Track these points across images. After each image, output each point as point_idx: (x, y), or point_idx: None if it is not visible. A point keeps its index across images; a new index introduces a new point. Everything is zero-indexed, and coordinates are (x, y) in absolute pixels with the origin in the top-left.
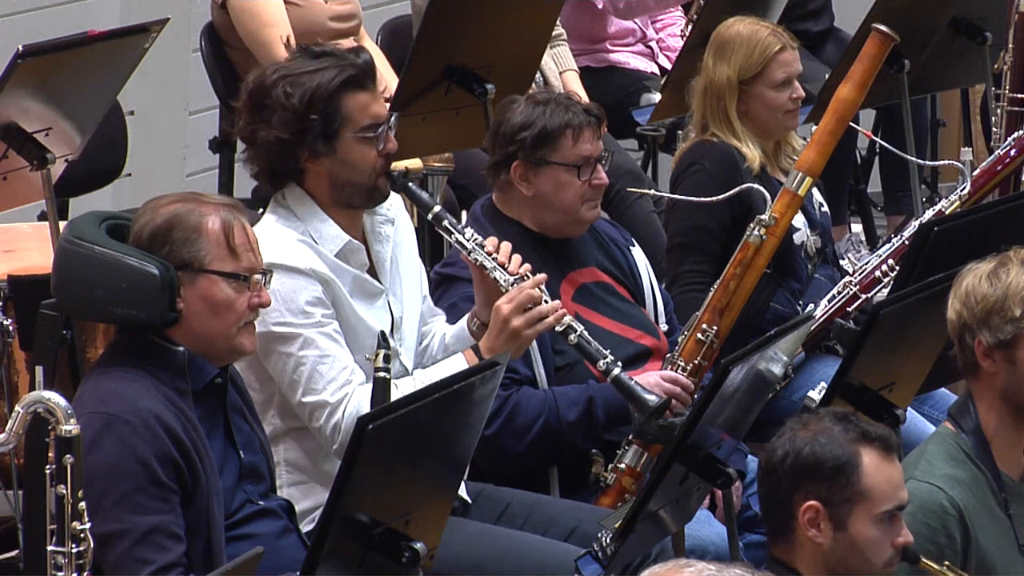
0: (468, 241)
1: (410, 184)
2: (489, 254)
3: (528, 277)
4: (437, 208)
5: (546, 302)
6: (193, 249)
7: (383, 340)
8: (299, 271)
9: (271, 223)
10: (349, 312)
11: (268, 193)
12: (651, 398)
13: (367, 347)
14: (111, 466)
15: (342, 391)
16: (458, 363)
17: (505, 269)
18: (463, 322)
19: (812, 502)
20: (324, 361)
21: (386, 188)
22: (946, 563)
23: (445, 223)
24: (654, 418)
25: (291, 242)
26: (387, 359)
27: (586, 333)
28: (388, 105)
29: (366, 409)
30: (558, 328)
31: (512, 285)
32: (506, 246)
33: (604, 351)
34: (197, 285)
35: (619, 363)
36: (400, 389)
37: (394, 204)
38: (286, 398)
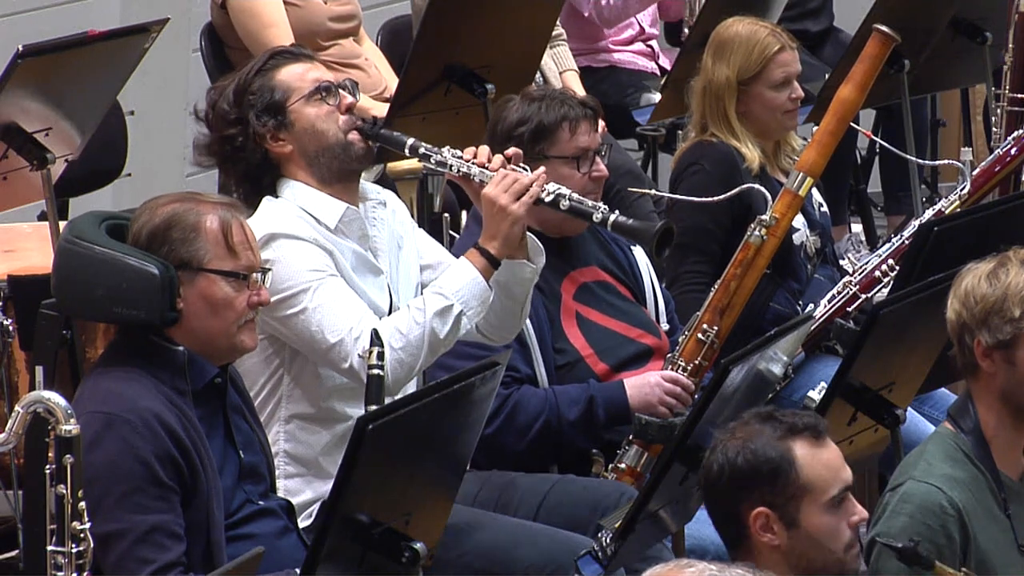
0: (449, 158)
1: (382, 130)
2: (468, 161)
3: (506, 168)
4: (411, 140)
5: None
6: (192, 248)
7: (376, 338)
8: (301, 239)
9: (266, 204)
10: (352, 285)
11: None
12: (654, 226)
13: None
14: (111, 466)
15: (360, 326)
16: (463, 267)
17: (485, 169)
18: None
19: (760, 508)
20: (338, 303)
21: (361, 143)
22: (964, 569)
23: (422, 150)
24: (659, 243)
25: (291, 216)
26: (380, 356)
27: (575, 194)
28: (352, 82)
29: (387, 336)
30: (546, 198)
31: (491, 175)
32: (484, 149)
33: (596, 203)
34: (196, 284)
35: (615, 210)
36: (413, 306)
37: (384, 193)
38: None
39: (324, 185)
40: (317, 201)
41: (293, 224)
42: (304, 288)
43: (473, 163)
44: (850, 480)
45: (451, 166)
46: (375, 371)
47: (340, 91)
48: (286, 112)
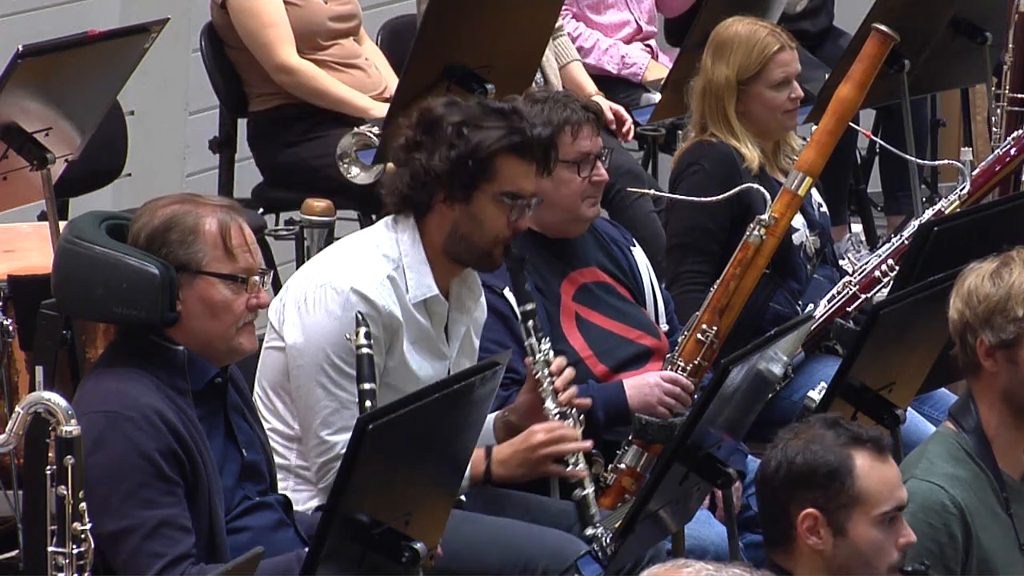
0: (540, 352)
1: (524, 270)
2: (551, 373)
3: (571, 416)
4: (531, 305)
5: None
6: (190, 251)
7: (361, 319)
8: (375, 305)
9: (371, 245)
10: (401, 357)
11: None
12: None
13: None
14: (116, 464)
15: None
16: None
17: (556, 395)
18: (491, 416)
19: (809, 510)
20: (349, 407)
21: (499, 259)
22: None
23: (531, 323)
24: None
25: (379, 276)
26: (367, 336)
27: (592, 496)
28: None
29: None
30: (571, 480)
31: (555, 416)
32: (569, 372)
33: (596, 523)
34: (195, 286)
35: (602, 537)
36: None
37: (481, 289)
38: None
39: (439, 256)
40: (420, 271)
41: (379, 289)
42: (332, 368)
43: (552, 381)
44: (905, 500)
45: (535, 362)
46: (364, 350)
47: (525, 211)
48: (477, 191)
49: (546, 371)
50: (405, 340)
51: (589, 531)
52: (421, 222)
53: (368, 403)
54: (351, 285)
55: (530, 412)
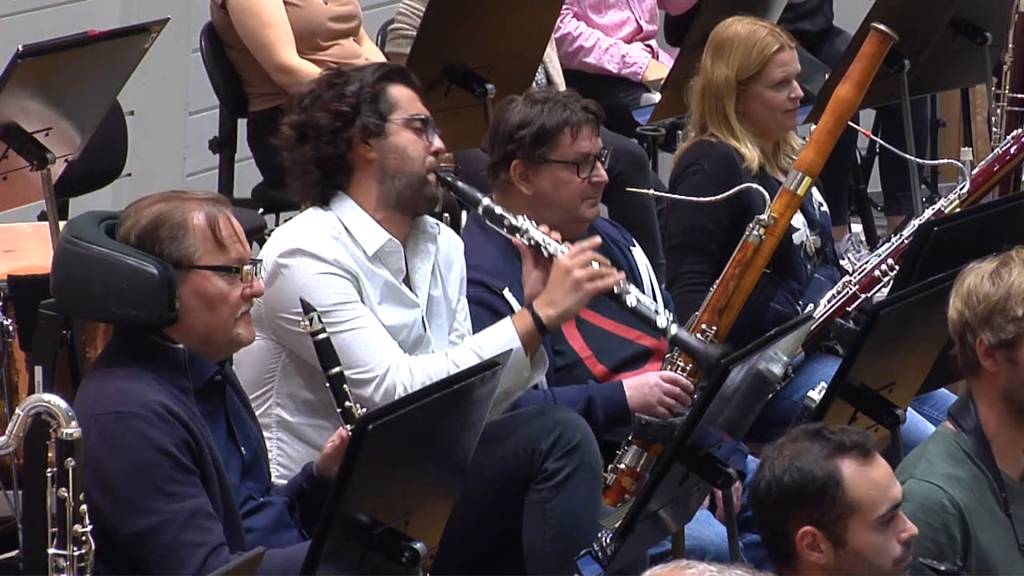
0: (524, 224)
1: (459, 182)
2: (544, 233)
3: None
4: (486, 201)
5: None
6: (182, 246)
7: (306, 305)
8: (324, 261)
9: (308, 215)
10: (370, 305)
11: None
12: (713, 351)
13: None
14: (136, 462)
15: (387, 362)
16: (506, 330)
17: (550, 236)
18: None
19: (806, 527)
20: (366, 338)
21: (435, 187)
22: None
23: (497, 211)
24: (715, 369)
25: (324, 235)
26: (319, 319)
27: (643, 297)
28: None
29: (418, 380)
30: (616, 289)
31: (564, 250)
32: (556, 234)
33: (659, 309)
34: (189, 282)
35: (675, 321)
36: (450, 358)
37: (441, 225)
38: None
39: (382, 208)
40: (363, 225)
41: (322, 243)
42: (331, 310)
43: (548, 236)
44: (899, 497)
45: (525, 231)
46: (320, 336)
47: (435, 134)
48: (387, 123)
49: (539, 232)
50: (371, 295)
51: (661, 321)
52: (347, 189)
53: (344, 387)
54: (298, 247)
55: (544, 278)
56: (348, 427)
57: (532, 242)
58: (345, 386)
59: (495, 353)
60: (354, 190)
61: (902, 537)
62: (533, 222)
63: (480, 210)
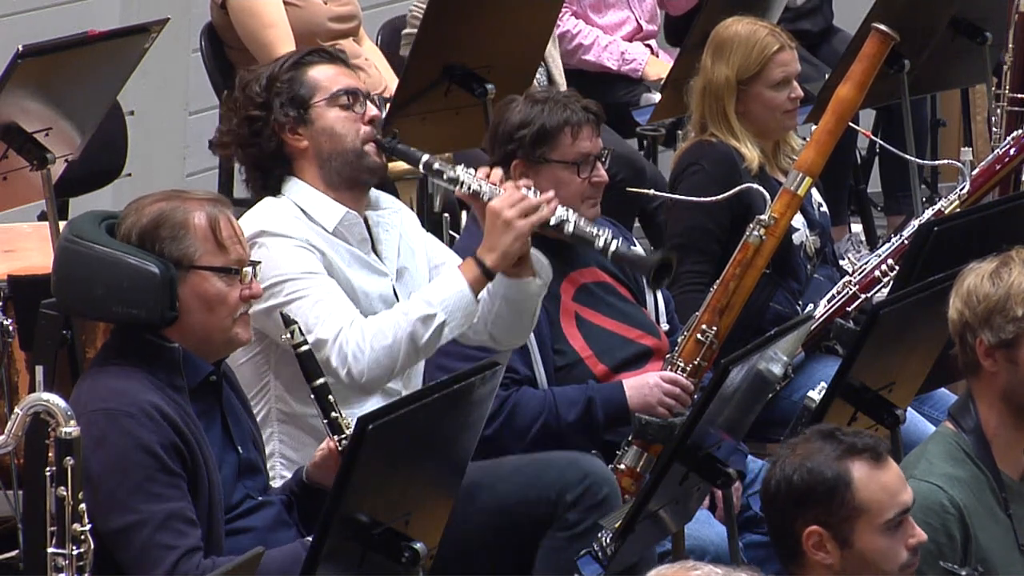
0: (461, 175)
1: (398, 144)
2: (480, 179)
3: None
4: (426, 157)
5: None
6: (182, 246)
7: (286, 319)
8: (290, 237)
9: (264, 203)
10: (341, 275)
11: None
12: (653, 256)
13: (367, 307)
14: (120, 460)
15: (339, 322)
16: (453, 277)
17: (488, 181)
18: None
19: (813, 527)
20: (328, 302)
21: (376, 155)
22: None
23: (436, 166)
24: (657, 274)
25: (284, 215)
26: (300, 331)
27: (580, 220)
28: (380, 97)
29: (369, 335)
30: (552, 220)
31: (499, 192)
32: (497, 172)
33: (599, 231)
34: (189, 282)
35: (616, 238)
36: (399, 310)
37: (398, 203)
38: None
39: (330, 189)
40: (318, 203)
41: (285, 223)
42: (291, 279)
43: (484, 182)
44: (909, 503)
45: (463, 183)
46: (303, 348)
47: (368, 102)
48: (309, 108)
49: (476, 179)
50: (340, 263)
51: (601, 243)
52: (294, 175)
53: (329, 397)
54: (261, 229)
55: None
56: (336, 437)
57: (471, 191)
58: (330, 396)
59: (443, 300)
60: (299, 175)
61: (910, 543)
62: (471, 170)
63: (420, 166)
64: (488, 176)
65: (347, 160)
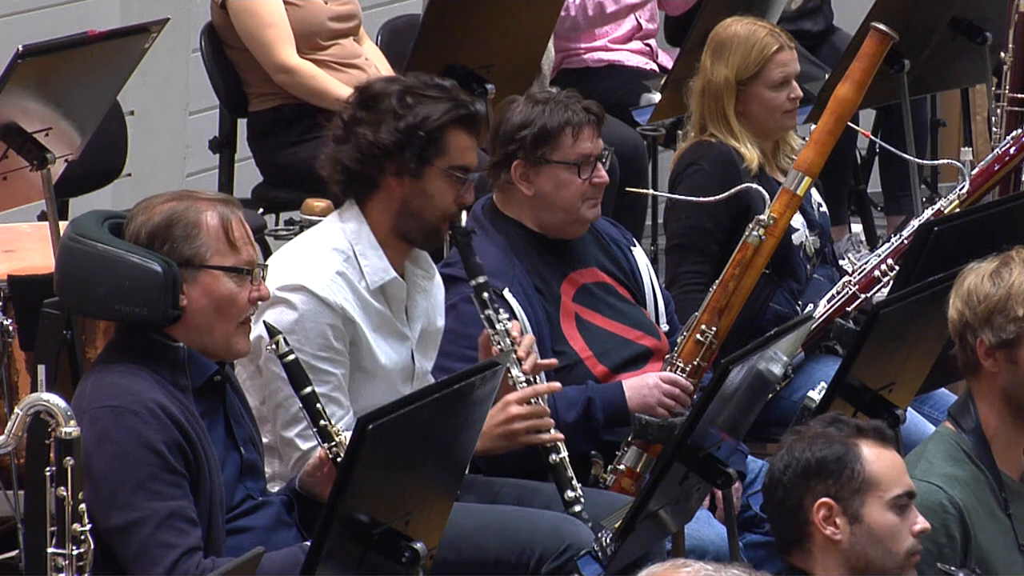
0: (498, 323)
1: (471, 243)
2: (513, 343)
3: (537, 380)
4: (483, 279)
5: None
6: (194, 245)
7: (271, 328)
8: (328, 307)
9: (319, 241)
10: (366, 344)
11: (331, 197)
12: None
13: (385, 375)
14: (123, 456)
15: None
16: None
17: (521, 364)
18: None
19: (824, 499)
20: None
21: (445, 235)
22: None
23: (484, 296)
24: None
25: (328, 272)
26: (286, 342)
27: (567, 459)
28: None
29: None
30: (547, 445)
31: (523, 384)
32: (528, 338)
33: (575, 484)
34: (199, 281)
35: (582, 499)
36: None
37: (434, 269)
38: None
39: (390, 235)
40: (373, 256)
41: (327, 285)
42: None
43: (515, 349)
44: (914, 488)
45: (494, 333)
46: (289, 357)
47: (471, 187)
48: (429, 164)
49: (507, 341)
50: (366, 329)
51: (569, 493)
52: (365, 204)
53: (318, 405)
54: (302, 284)
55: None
56: (325, 445)
57: (497, 348)
58: (319, 405)
59: None
60: (371, 208)
61: (915, 529)
62: (508, 325)
63: (474, 283)
64: (519, 339)
65: (422, 227)
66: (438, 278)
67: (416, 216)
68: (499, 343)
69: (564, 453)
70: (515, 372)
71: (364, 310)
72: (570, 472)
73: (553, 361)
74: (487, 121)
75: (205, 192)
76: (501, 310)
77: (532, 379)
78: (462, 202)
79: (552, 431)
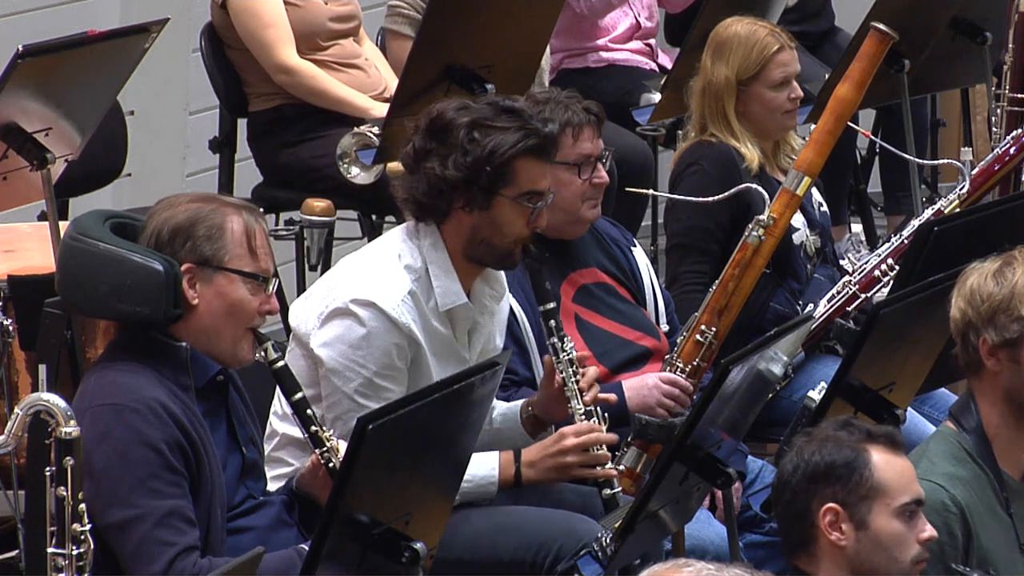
0: (563, 352)
1: (541, 270)
2: (575, 373)
3: (595, 415)
4: (552, 304)
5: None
6: (215, 246)
7: (260, 336)
8: (394, 322)
9: (393, 256)
10: (425, 365)
11: (404, 217)
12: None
13: None
14: (123, 454)
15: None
16: (490, 463)
17: (582, 395)
18: (517, 404)
19: (830, 504)
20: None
21: (518, 258)
22: None
23: (552, 323)
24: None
25: (400, 292)
26: (276, 348)
27: (619, 496)
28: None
29: None
30: (600, 479)
31: (582, 416)
32: (592, 371)
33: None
34: (215, 282)
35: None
36: None
37: (505, 289)
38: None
39: (460, 259)
40: (445, 277)
41: (397, 304)
42: (355, 374)
43: (577, 380)
44: (921, 495)
45: (559, 360)
46: (278, 364)
47: (543, 211)
48: (497, 196)
49: (571, 370)
50: (428, 355)
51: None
52: (440, 228)
53: (308, 411)
54: (373, 301)
55: (551, 404)
56: (317, 451)
57: (560, 374)
58: (309, 411)
59: (470, 477)
60: (444, 232)
61: (921, 537)
62: (573, 354)
63: (543, 308)
64: (583, 367)
65: (495, 252)
66: (508, 297)
67: (487, 243)
68: (563, 371)
69: (618, 489)
70: (574, 404)
71: (427, 332)
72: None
73: (612, 396)
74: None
75: (230, 198)
76: (568, 339)
77: (591, 411)
78: (534, 227)
79: (607, 470)
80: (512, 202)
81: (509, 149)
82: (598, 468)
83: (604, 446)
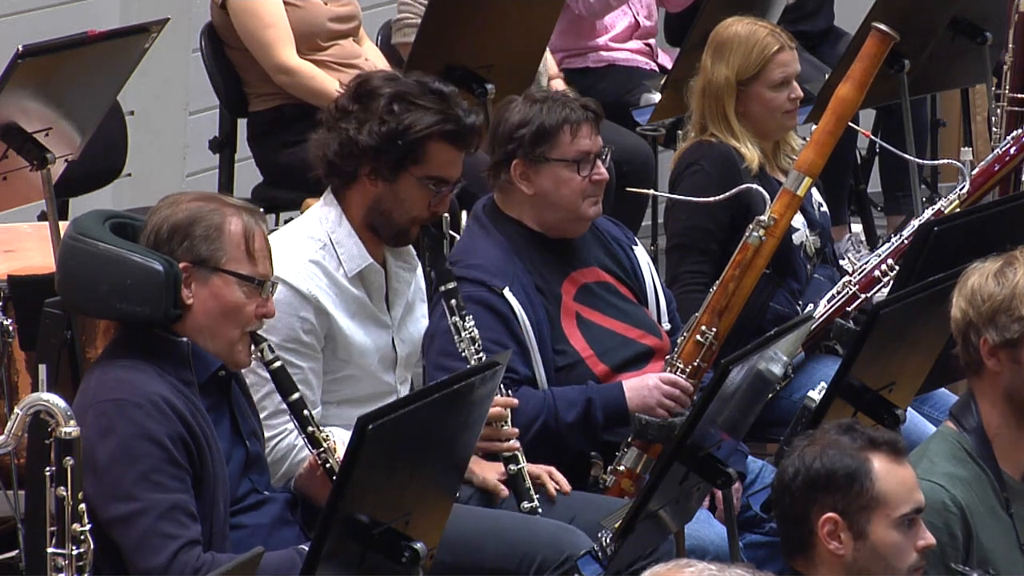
0: (464, 329)
1: (441, 249)
2: (477, 349)
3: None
4: (452, 284)
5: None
6: (212, 247)
7: (256, 337)
8: (300, 293)
9: (299, 228)
10: (341, 335)
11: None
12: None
13: (363, 364)
14: (126, 448)
15: (282, 428)
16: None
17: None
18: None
19: (830, 514)
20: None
21: (414, 237)
22: None
23: (452, 302)
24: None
25: (301, 260)
26: (271, 349)
27: (525, 471)
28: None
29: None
30: (505, 454)
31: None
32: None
33: (532, 495)
34: (211, 283)
35: (539, 511)
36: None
37: (416, 261)
38: None
39: (364, 229)
40: (350, 244)
41: (301, 274)
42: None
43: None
44: (922, 503)
45: (460, 333)
46: (276, 364)
47: (448, 197)
48: (404, 171)
49: (472, 349)
50: (342, 316)
51: (526, 504)
52: (344, 193)
53: (305, 412)
54: (278, 275)
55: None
56: (314, 451)
57: (463, 353)
58: (306, 411)
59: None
60: (348, 199)
61: (919, 545)
62: (475, 334)
63: (443, 288)
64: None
65: (392, 226)
66: (420, 269)
67: (385, 215)
68: (464, 351)
69: (523, 464)
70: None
71: (340, 297)
72: (528, 483)
73: (513, 400)
74: (486, 123)
75: (232, 199)
76: (468, 317)
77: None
78: (434, 211)
79: (512, 441)
80: (418, 181)
81: (424, 129)
82: (501, 443)
83: (508, 420)
